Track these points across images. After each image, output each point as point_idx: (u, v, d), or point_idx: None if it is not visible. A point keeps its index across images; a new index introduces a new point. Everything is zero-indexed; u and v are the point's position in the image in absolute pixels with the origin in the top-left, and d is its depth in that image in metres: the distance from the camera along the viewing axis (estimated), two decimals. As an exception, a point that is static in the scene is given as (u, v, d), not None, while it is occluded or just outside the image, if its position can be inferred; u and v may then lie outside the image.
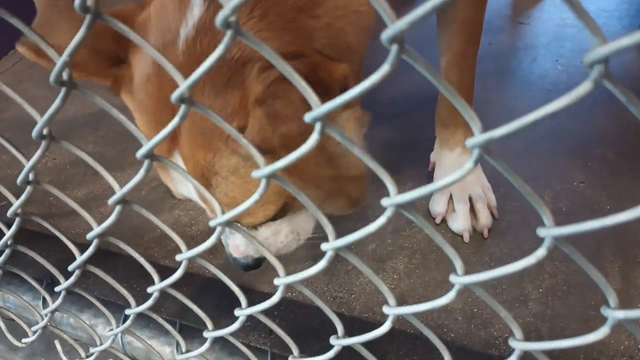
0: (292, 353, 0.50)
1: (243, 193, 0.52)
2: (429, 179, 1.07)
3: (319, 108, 0.24)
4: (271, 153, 0.43)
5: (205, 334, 0.53)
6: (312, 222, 0.72)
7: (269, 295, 0.44)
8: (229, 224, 0.61)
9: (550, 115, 0.20)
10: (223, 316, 0.67)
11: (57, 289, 0.58)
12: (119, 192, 0.39)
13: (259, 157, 0.31)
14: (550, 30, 1.51)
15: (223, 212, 0.37)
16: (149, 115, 0.52)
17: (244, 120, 0.46)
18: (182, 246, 0.44)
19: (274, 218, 0.60)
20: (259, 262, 0.70)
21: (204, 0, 0.46)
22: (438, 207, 0.99)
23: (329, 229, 0.33)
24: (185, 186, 0.58)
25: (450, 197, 0.99)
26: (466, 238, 0.96)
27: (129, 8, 0.55)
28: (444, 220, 1.00)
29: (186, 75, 0.48)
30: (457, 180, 0.24)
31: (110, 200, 0.40)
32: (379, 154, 1.13)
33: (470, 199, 0.97)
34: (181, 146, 0.51)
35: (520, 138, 1.16)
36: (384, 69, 0.21)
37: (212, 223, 0.37)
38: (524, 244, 0.95)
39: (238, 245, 0.69)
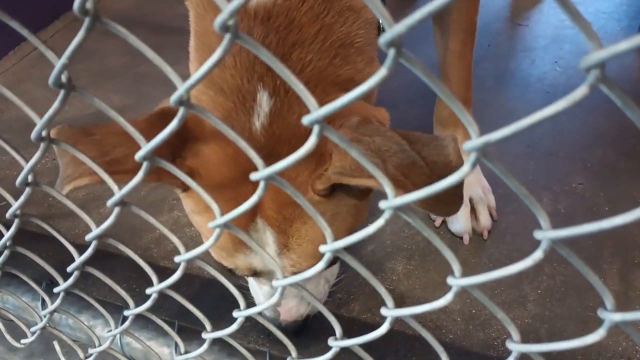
0: (290, 354, 0.50)
1: (317, 234, 0.59)
2: (428, 180, 1.07)
3: (317, 111, 0.25)
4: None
5: (204, 335, 0.53)
6: (338, 267, 0.77)
7: (268, 297, 0.44)
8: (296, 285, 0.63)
9: (547, 119, 0.20)
10: (222, 317, 0.67)
11: (56, 290, 0.58)
12: (118, 194, 0.39)
13: (258, 160, 0.31)
14: (549, 32, 1.51)
15: (222, 214, 0.37)
16: (228, 191, 0.57)
17: (327, 163, 0.52)
18: (181, 247, 0.44)
19: None
20: (306, 321, 0.73)
21: (270, 96, 0.55)
22: (437, 209, 0.99)
23: (327, 232, 0.33)
24: (257, 256, 0.60)
25: (450, 199, 0.99)
26: (466, 240, 0.96)
27: (191, 116, 0.59)
28: (444, 222, 1.00)
29: (268, 152, 0.54)
30: (454, 182, 0.24)
31: (109, 202, 0.40)
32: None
33: (471, 200, 0.97)
34: (264, 210, 0.57)
35: (519, 140, 1.16)
36: (381, 73, 0.21)
37: (211, 225, 0.37)
38: (523, 246, 0.95)
39: (291, 308, 0.70)
